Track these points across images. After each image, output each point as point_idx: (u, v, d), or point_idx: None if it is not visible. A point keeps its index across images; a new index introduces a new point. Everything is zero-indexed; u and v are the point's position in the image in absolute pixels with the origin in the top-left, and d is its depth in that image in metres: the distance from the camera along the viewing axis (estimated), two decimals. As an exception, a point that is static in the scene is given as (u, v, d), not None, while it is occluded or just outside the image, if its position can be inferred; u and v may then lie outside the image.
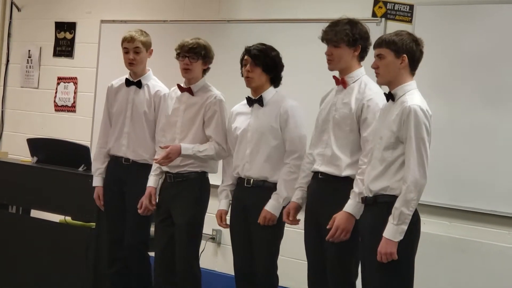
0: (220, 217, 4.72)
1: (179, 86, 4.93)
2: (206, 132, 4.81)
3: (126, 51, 5.09)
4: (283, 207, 4.44)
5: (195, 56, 4.82)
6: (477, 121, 5.25)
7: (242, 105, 4.72)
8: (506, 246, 5.09)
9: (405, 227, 3.66)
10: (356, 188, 4.01)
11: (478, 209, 5.24)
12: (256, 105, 4.59)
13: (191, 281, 4.87)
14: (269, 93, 4.58)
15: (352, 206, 4.01)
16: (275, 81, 4.62)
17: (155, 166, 4.95)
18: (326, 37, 4.19)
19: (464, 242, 5.21)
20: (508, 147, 5.13)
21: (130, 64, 5.09)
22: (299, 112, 4.56)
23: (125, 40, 5.09)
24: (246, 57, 4.58)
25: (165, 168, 4.89)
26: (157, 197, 4.95)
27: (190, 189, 4.82)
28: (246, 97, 4.65)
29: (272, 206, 4.46)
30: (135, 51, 5.06)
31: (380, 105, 4.02)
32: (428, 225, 5.09)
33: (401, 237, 3.66)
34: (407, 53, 3.79)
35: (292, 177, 4.45)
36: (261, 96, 4.57)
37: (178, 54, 4.87)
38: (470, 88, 5.31)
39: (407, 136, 3.69)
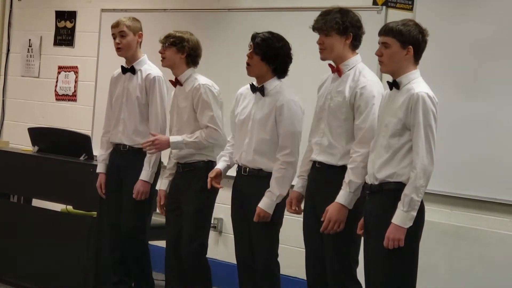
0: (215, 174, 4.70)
1: (170, 81, 5.02)
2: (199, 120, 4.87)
3: (114, 37, 5.16)
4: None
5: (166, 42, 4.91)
6: (478, 108, 5.25)
7: (246, 89, 4.68)
8: (507, 234, 5.09)
9: (414, 214, 3.68)
10: (347, 178, 4.01)
11: (479, 197, 5.24)
12: (258, 94, 4.56)
13: (200, 271, 4.90)
14: (271, 83, 4.52)
15: (343, 196, 4.01)
16: (279, 72, 4.54)
17: (167, 171, 5.02)
18: (317, 26, 4.18)
19: (465, 229, 5.21)
20: (509, 135, 5.12)
21: (117, 49, 5.15)
22: (296, 107, 4.47)
23: (112, 27, 5.17)
24: (250, 43, 4.55)
25: (174, 160, 4.96)
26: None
27: (197, 178, 4.85)
28: (250, 84, 4.63)
29: (265, 204, 4.42)
30: (120, 35, 5.12)
31: (374, 92, 4.02)
32: (429, 213, 5.04)
33: (411, 224, 3.68)
34: (412, 44, 3.79)
35: (282, 174, 4.41)
36: (263, 85, 4.54)
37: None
38: (470, 76, 5.30)
39: (415, 123, 3.70)
